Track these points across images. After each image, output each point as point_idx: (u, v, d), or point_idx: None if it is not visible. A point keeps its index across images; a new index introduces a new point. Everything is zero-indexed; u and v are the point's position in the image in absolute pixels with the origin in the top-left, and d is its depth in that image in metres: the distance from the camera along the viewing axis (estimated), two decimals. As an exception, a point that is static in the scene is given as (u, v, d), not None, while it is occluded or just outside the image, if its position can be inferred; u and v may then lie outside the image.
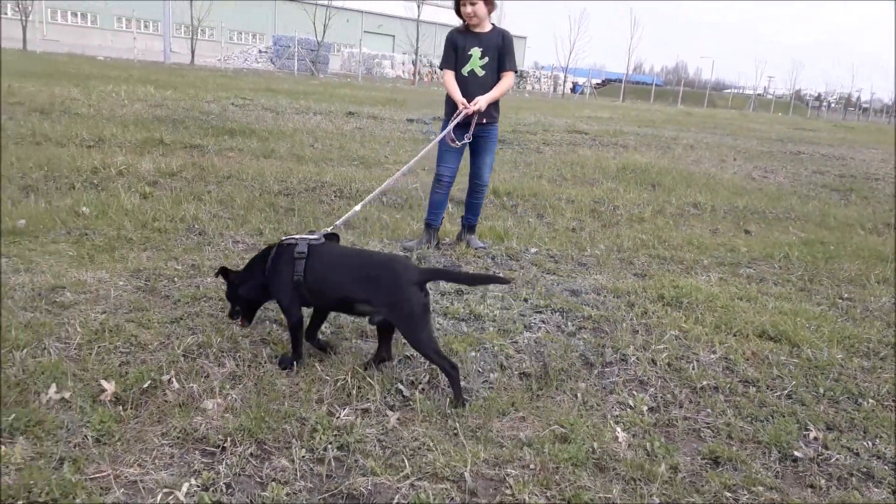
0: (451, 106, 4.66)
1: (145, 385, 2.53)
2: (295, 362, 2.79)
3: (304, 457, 2.21)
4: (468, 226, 5.15)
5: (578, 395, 2.83)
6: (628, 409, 2.76)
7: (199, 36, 39.30)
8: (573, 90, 60.65)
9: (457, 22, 4.67)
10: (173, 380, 2.60)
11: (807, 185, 10.17)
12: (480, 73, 4.62)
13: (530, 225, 5.98)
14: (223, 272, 2.94)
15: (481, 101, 4.48)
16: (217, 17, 44.63)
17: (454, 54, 4.63)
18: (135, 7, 49.93)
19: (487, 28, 4.63)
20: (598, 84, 67.08)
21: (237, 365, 2.80)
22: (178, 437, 2.27)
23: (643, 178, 9.10)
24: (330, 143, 9.41)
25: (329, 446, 2.26)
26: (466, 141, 4.62)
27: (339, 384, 2.68)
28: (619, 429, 2.57)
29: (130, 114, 10.27)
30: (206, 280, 3.73)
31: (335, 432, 2.34)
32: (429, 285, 2.77)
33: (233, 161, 7.39)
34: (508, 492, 2.11)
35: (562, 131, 14.95)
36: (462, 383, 2.73)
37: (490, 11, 4.54)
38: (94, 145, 7.56)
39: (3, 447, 2.12)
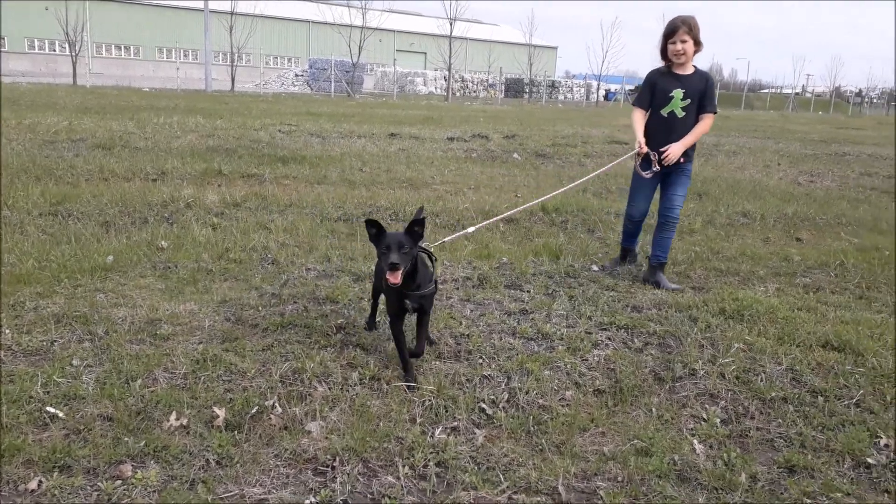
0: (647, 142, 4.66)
1: (253, 410, 2.76)
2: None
3: (407, 473, 2.41)
4: (658, 264, 4.88)
5: (653, 409, 2.98)
6: (702, 422, 2.89)
7: (237, 62, 40.41)
8: (606, 97, 60.42)
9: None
10: (276, 404, 2.83)
11: (855, 189, 10.09)
12: (681, 114, 4.61)
13: (582, 241, 6.12)
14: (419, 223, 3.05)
15: (673, 150, 4.56)
16: (255, 43, 45.88)
17: (650, 94, 4.68)
18: (177, 38, 51.75)
19: (690, 70, 4.62)
20: (631, 90, 66.66)
21: (330, 388, 3.02)
22: (289, 458, 2.49)
23: (689, 188, 9.13)
24: (377, 166, 9.71)
25: (429, 463, 2.45)
26: (656, 169, 4.63)
27: (426, 404, 2.88)
28: (695, 441, 2.71)
29: (185, 145, 10.74)
30: (287, 307, 3.98)
31: (431, 450, 2.54)
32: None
33: (290, 189, 7.71)
34: (600, 502, 2.27)
35: (601, 142, 15.04)
36: (540, 401, 2.92)
37: (696, 52, 4.55)
38: (158, 178, 7.96)
39: (139, 471, 2.36)
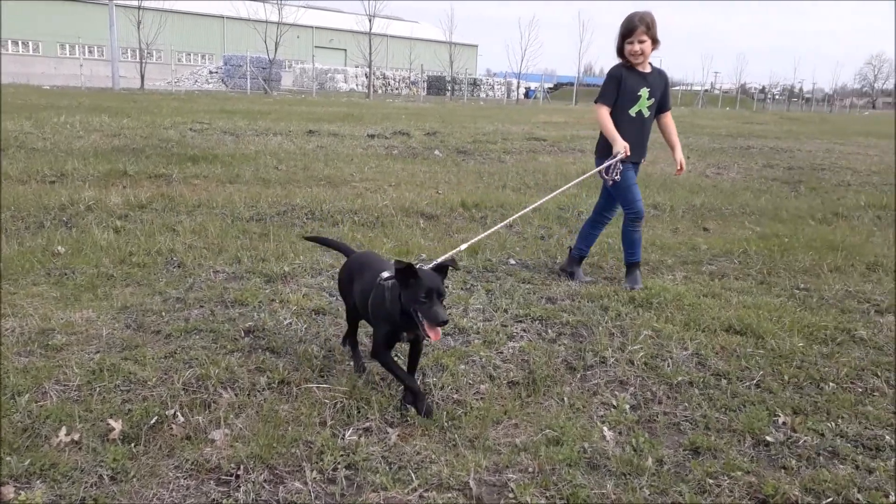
0: (605, 142, 4.50)
1: (152, 421, 2.61)
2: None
3: (315, 478, 2.33)
4: (635, 263, 4.72)
5: (565, 398, 3.01)
6: (612, 409, 2.94)
7: (147, 59, 38.71)
8: (527, 95, 61.50)
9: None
10: (178, 413, 2.69)
11: (758, 180, 10.62)
12: (647, 113, 4.51)
13: (501, 235, 6.16)
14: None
15: (681, 162, 4.72)
16: (165, 39, 44.10)
17: (616, 91, 4.45)
18: (80, 33, 48.98)
19: (648, 68, 4.51)
20: (550, 88, 68.08)
21: (236, 395, 2.89)
22: (191, 469, 2.37)
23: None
24: (294, 164, 9.48)
25: (339, 466, 2.38)
26: (618, 179, 4.44)
27: (338, 406, 2.80)
28: (605, 428, 2.75)
29: (89, 145, 10.17)
30: (193, 312, 3.80)
31: (342, 452, 2.46)
32: None
33: (200, 189, 7.42)
34: (511, 495, 2.26)
35: (521, 139, 15.24)
36: (455, 396, 2.89)
37: (653, 50, 4.42)
38: (56, 181, 7.50)
39: (22, 492, 2.19)
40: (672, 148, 4.79)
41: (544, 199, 5.01)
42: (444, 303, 2.58)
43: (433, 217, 6.72)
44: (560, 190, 4.98)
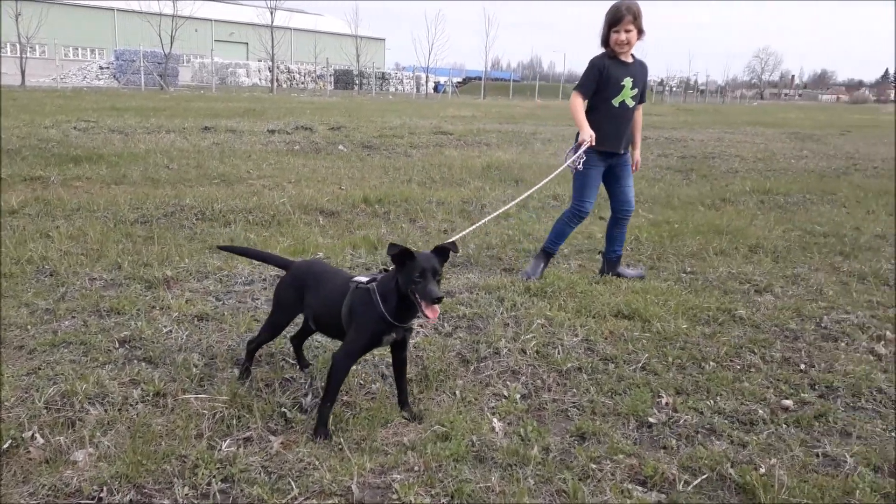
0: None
1: (5, 445, 2.39)
2: None
3: (187, 494, 2.18)
4: (617, 258, 4.82)
5: (457, 392, 2.98)
6: (503, 400, 2.94)
7: (28, 53, 36.08)
8: (436, 89, 61.72)
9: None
10: (37, 435, 2.47)
11: (653, 169, 11.04)
12: (630, 104, 4.46)
13: (403, 230, 6.11)
14: None
15: (640, 160, 4.87)
16: (49, 32, 41.29)
17: (596, 82, 4.38)
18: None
19: (631, 59, 4.47)
20: (459, 82, 68.64)
21: (106, 410, 2.69)
22: (48, 495, 2.17)
23: (507, 175, 9.51)
24: (187, 163, 9.06)
25: (213, 480, 2.25)
26: (581, 168, 4.45)
27: (217, 416, 2.66)
28: (495, 419, 2.74)
29: (-44, 147, 9.34)
30: (63, 324, 3.52)
31: (218, 465, 2.33)
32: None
33: (81, 191, 6.95)
34: (395, 496, 2.20)
35: (428, 133, 15.23)
36: (345, 398, 2.81)
37: (638, 41, 4.36)
38: (-86, 186, 6.83)
39: None
40: (633, 144, 4.77)
41: (533, 190, 4.98)
42: (439, 280, 2.52)
43: (334, 214, 6.57)
44: (543, 182, 4.96)
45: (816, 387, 3.18)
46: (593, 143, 4.32)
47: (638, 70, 4.51)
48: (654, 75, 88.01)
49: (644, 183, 9.36)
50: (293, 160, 9.96)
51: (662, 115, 28.66)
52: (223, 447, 2.45)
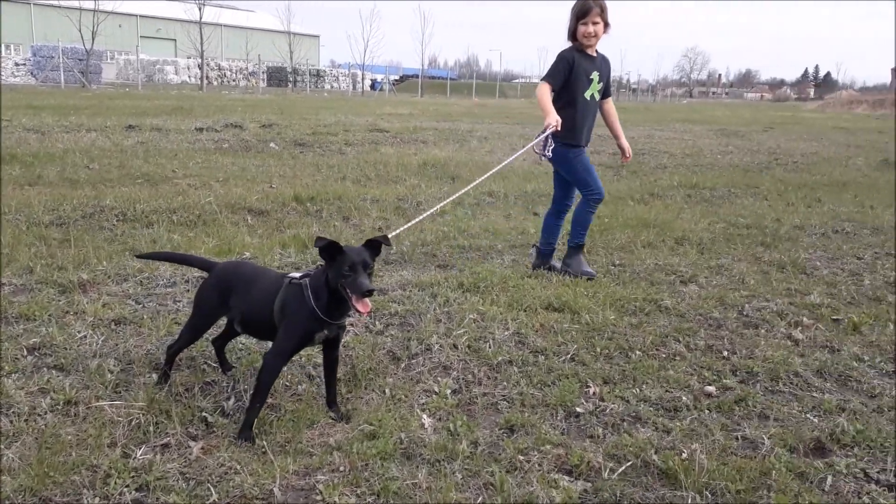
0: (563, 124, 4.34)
1: None
2: None
3: (97, 506, 2.07)
4: (551, 251, 4.95)
5: (387, 390, 2.94)
6: (434, 396, 2.91)
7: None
8: (372, 87, 61.25)
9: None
10: (-70, 453, 2.29)
11: (585, 165, 11.23)
12: (597, 97, 4.57)
13: (336, 229, 6.01)
14: None
15: (627, 149, 4.89)
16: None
17: (566, 74, 4.42)
18: None
19: (595, 53, 4.53)
20: (396, 80, 68.33)
21: (12, 422, 2.53)
22: (-60, 517, 2.02)
23: (443, 173, 9.51)
24: (108, 163, 8.68)
25: (126, 490, 2.14)
26: (549, 155, 4.49)
27: (133, 423, 2.53)
28: (424, 416, 2.71)
29: None
30: (-35, 332, 3.30)
31: (132, 474, 2.22)
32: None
33: (-9, 192, 6.55)
34: (319, 497, 2.15)
35: (363, 130, 15.09)
36: (270, 400, 2.72)
37: (604, 34, 4.42)
38: None
39: None
40: (616, 136, 4.89)
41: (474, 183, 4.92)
42: (370, 273, 2.46)
43: (263, 213, 6.41)
44: (497, 168, 4.91)
45: (738, 372, 3.28)
46: (559, 129, 4.31)
47: (602, 64, 4.60)
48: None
49: (576, 179, 9.52)
50: (222, 158, 9.68)
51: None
52: (138, 455, 2.33)
